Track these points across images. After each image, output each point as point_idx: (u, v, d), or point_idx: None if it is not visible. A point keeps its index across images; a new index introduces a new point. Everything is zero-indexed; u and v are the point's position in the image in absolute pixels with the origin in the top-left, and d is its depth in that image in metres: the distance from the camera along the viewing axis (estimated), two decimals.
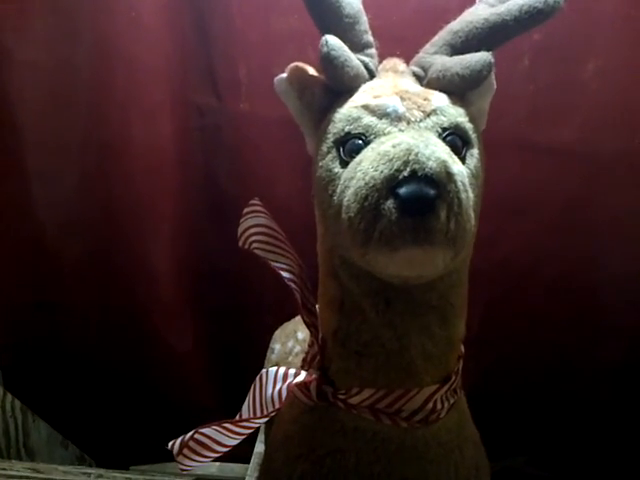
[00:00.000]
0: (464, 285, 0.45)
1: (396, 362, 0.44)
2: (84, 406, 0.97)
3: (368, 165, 0.37)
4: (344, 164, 0.41)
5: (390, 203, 0.35)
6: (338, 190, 0.41)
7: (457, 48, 0.45)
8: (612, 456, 0.91)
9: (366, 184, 0.37)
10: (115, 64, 0.83)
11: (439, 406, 0.45)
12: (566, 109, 0.82)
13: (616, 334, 0.88)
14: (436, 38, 0.47)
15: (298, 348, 0.70)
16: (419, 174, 0.35)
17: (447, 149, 0.40)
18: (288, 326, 0.75)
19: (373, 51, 0.47)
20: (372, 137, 0.41)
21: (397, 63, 0.48)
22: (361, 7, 0.46)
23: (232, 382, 0.98)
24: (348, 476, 0.47)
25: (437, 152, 0.37)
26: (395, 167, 0.36)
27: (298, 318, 0.76)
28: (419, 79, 0.46)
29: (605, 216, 0.83)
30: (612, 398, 0.91)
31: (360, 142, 0.41)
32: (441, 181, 0.36)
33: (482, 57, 0.43)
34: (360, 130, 0.41)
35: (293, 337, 0.71)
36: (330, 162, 0.42)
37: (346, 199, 0.38)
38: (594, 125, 0.82)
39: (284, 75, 0.47)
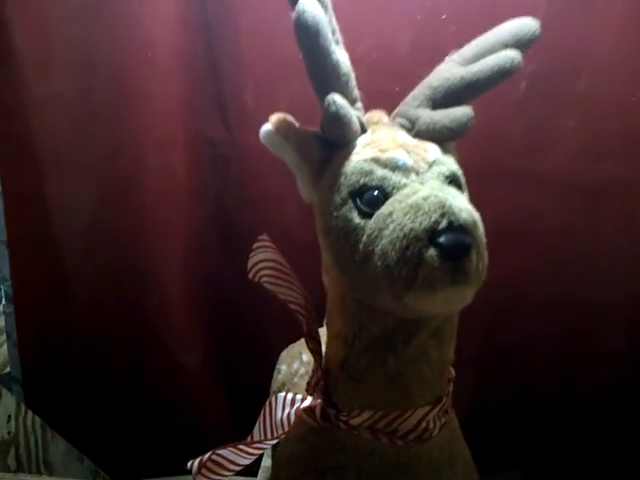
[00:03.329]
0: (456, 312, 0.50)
1: (394, 387, 0.48)
2: (99, 422, 1.02)
3: (403, 217, 0.41)
4: (364, 215, 0.45)
5: (432, 251, 0.40)
6: (364, 239, 0.44)
7: (437, 102, 0.50)
8: (605, 467, 0.95)
9: (405, 235, 0.41)
10: (131, 99, 0.88)
11: (431, 425, 0.50)
12: (556, 141, 0.86)
13: (607, 353, 0.92)
14: (416, 92, 0.52)
15: (303, 370, 0.74)
16: (455, 225, 0.40)
17: (464, 196, 0.45)
18: (294, 348, 0.80)
19: (360, 105, 0.52)
20: (390, 189, 0.45)
21: (381, 115, 0.53)
22: (350, 65, 0.50)
23: (239, 399, 1.02)
24: None
25: (464, 203, 0.42)
26: (433, 219, 0.40)
27: (303, 340, 0.81)
28: (407, 130, 0.51)
29: (593, 241, 0.87)
30: (604, 413, 0.95)
31: (377, 194, 0.45)
32: (472, 230, 0.41)
33: (466, 111, 0.48)
34: (376, 182, 0.45)
35: (298, 359, 0.75)
36: (348, 213, 0.46)
37: (380, 248, 0.42)
38: (583, 156, 0.86)
39: (270, 127, 0.50)
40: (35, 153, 0.89)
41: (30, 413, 0.92)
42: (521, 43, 0.51)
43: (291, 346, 0.81)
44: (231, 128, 0.91)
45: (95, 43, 0.86)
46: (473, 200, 0.48)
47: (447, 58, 0.52)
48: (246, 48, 0.87)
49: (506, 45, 0.51)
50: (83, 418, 1.01)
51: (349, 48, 0.50)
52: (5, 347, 0.90)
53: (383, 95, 0.52)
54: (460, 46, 0.54)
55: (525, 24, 0.52)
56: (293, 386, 0.73)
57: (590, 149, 0.86)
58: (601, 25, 0.81)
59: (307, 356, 0.75)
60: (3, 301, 0.89)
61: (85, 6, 0.83)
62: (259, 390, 0.82)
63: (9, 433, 0.86)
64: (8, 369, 0.91)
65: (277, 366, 0.80)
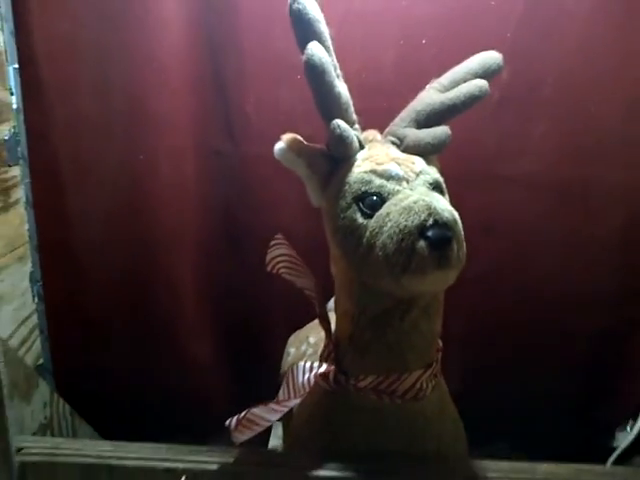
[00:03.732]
0: (441, 292, 0.62)
1: (392, 355, 0.60)
2: (118, 410, 1.11)
3: (398, 217, 0.53)
4: (366, 216, 0.56)
5: (422, 243, 0.51)
6: (367, 235, 0.55)
7: (421, 123, 0.62)
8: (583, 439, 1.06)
9: (401, 231, 0.52)
10: (146, 117, 0.98)
11: (424, 386, 0.61)
12: (524, 147, 0.98)
13: (575, 334, 1.04)
14: (403, 114, 0.63)
15: (311, 350, 0.84)
16: (439, 222, 0.52)
17: (445, 199, 0.57)
18: (301, 333, 0.91)
19: (358, 126, 0.63)
20: (386, 195, 0.56)
21: (375, 134, 0.65)
22: (349, 95, 0.62)
23: (247, 388, 1.13)
24: (357, 443, 0.63)
25: (446, 205, 0.54)
26: (422, 218, 0.52)
27: (308, 325, 0.92)
28: (397, 146, 0.62)
29: (557, 236, 0.99)
30: (577, 389, 1.06)
31: (376, 199, 0.56)
32: (452, 225, 0.53)
33: (445, 130, 0.60)
34: (375, 190, 0.57)
35: (306, 341, 0.86)
36: (353, 214, 0.57)
37: (380, 241, 0.53)
38: (548, 160, 0.98)
39: (283, 145, 0.61)
40: (61, 168, 0.99)
41: (61, 401, 1.02)
42: (488, 73, 0.63)
43: (298, 331, 0.92)
44: (236, 141, 1.01)
45: (114, 70, 0.95)
46: (452, 200, 0.60)
47: (428, 86, 0.64)
48: (248, 69, 0.97)
49: (476, 75, 0.63)
50: (105, 406, 1.10)
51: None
52: (38, 341, 1.00)
53: (371, 111, 0.64)
54: (439, 68, 0.66)
55: (491, 57, 0.64)
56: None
57: (555, 154, 0.98)
58: (563, 40, 0.92)
59: (313, 339, 0.85)
60: (36, 299, 0.98)
61: (106, 38, 0.93)
62: (264, 377, 0.93)
63: (45, 418, 0.96)
64: (41, 361, 1.00)
65: (286, 349, 0.91)
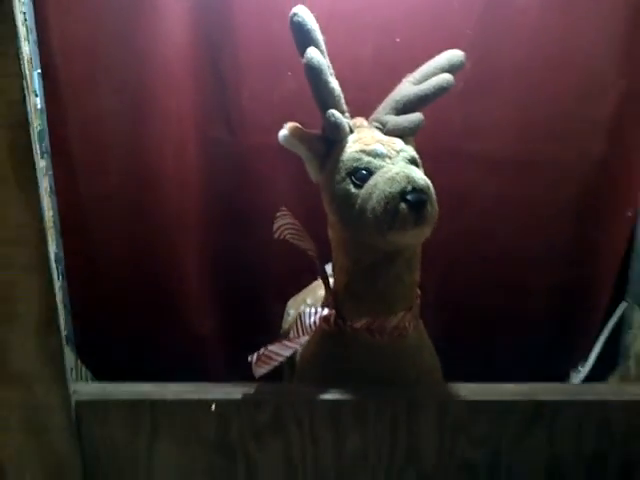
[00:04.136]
0: (419, 246, 0.76)
1: (381, 300, 0.74)
2: (131, 376, 1.23)
3: (383, 185, 0.66)
4: (357, 186, 0.70)
5: (403, 205, 0.65)
6: (359, 202, 0.69)
7: (399, 110, 0.76)
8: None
9: (386, 196, 0.66)
10: (151, 108, 1.09)
11: (407, 325, 0.75)
12: (489, 125, 1.12)
13: (533, 289, 1.19)
14: (384, 104, 0.77)
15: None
16: (417, 188, 0.66)
17: (420, 171, 0.70)
18: (299, 296, 1.04)
19: (347, 114, 0.77)
20: (373, 169, 0.70)
21: (362, 121, 0.78)
22: (340, 89, 0.75)
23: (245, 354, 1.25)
24: (352, 373, 0.77)
25: (421, 175, 0.68)
26: (403, 185, 0.66)
27: (304, 290, 1.06)
28: (380, 130, 0.76)
29: (520, 206, 1.13)
30: (534, 340, 1.21)
31: (365, 172, 0.70)
32: (427, 191, 0.67)
33: (418, 116, 0.74)
34: (364, 165, 0.70)
35: (304, 303, 1.00)
36: (346, 186, 0.71)
37: (369, 206, 0.67)
38: (511, 137, 1.11)
39: (286, 132, 0.74)
40: (78, 160, 1.10)
41: (83, 368, 1.14)
42: (453, 68, 0.77)
43: (296, 295, 1.05)
44: (234, 131, 1.13)
45: (122, 68, 1.06)
46: (425, 172, 0.74)
47: (404, 79, 0.78)
48: (244, 62, 1.08)
49: (443, 70, 0.77)
50: (120, 372, 1.23)
51: None
52: (63, 315, 1.11)
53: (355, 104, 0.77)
54: (410, 63, 0.79)
55: (455, 55, 0.78)
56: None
57: (513, 132, 1.12)
58: (518, 33, 1.05)
59: (310, 300, 0.99)
60: (60, 278, 1.10)
61: (115, 40, 1.04)
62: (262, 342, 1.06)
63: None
64: (66, 332, 1.12)
65: (286, 311, 1.04)
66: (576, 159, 1.13)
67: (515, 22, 1.05)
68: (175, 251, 1.18)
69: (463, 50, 0.79)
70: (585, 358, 1.13)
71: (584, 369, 1.11)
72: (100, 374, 1.19)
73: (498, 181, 1.14)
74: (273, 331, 1.04)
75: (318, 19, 0.74)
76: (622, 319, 1.12)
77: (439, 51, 0.80)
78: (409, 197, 0.65)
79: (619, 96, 1.08)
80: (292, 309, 1.03)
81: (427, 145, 0.80)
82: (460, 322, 1.16)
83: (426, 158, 0.77)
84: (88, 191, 1.12)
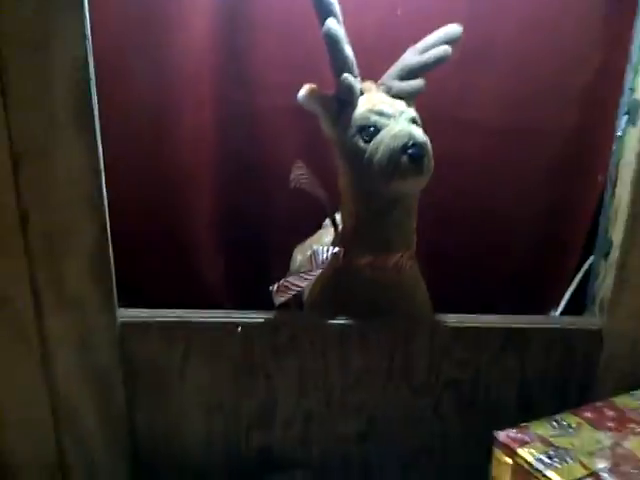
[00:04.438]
0: (416, 195, 0.88)
1: (383, 241, 0.87)
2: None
3: (389, 140, 0.78)
4: (366, 141, 0.81)
5: (405, 157, 0.77)
6: (367, 154, 0.80)
7: (404, 76, 0.88)
8: None
9: (391, 149, 0.78)
10: (173, 71, 1.19)
11: (404, 263, 0.88)
12: (477, 95, 1.23)
13: (511, 246, 1.32)
14: (391, 71, 0.89)
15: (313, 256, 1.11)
16: (416, 143, 0.78)
17: (420, 129, 0.82)
18: (305, 243, 1.17)
19: (359, 79, 0.88)
20: (380, 126, 0.81)
21: (371, 85, 0.89)
22: (353, 56, 0.86)
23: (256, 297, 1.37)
24: (357, 304, 0.90)
25: (420, 132, 0.80)
26: (405, 141, 0.77)
27: (310, 238, 1.18)
28: (386, 93, 0.87)
29: (505, 170, 1.25)
30: (517, 291, 1.36)
31: (372, 129, 0.81)
32: (425, 145, 0.78)
33: (420, 82, 0.86)
34: (372, 123, 0.81)
35: (310, 248, 1.11)
36: (357, 140, 0.82)
37: (377, 157, 0.79)
38: (498, 106, 1.23)
39: (304, 92, 0.84)
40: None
41: None
42: (451, 40, 0.88)
43: (302, 243, 1.18)
44: (249, 92, 1.23)
45: (151, 42, 1.15)
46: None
47: (408, 49, 0.89)
48: (260, 34, 1.18)
49: (442, 42, 0.88)
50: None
51: None
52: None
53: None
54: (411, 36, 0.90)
55: (453, 29, 0.89)
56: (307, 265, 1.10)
57: (501, 101, 1.24)
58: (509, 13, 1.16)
59: (316, 246, 1.10)
60: None
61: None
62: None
63: None
64: None
65: (293, 256, 1.17)
66: (553, 128, 1.25)
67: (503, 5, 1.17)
68: (191, 200, 1.28)
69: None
70: (558, 304, 1.27)
71: (557, 312, 1.26)
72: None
73: (484, 144, 1.26)
74: (283, 272, 1.16)
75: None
76: (590, 270, 1.26)
77: (438, 24, 0.92)
78: (410, 150, 0.78)
79: (593, 70, 1.20)
80: (299, 254, 1.15)
81: (425, 110, 0.91)
82: (449, 267, 1.29)
83: (423, 122, 0.88)
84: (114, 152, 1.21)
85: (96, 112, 0.77)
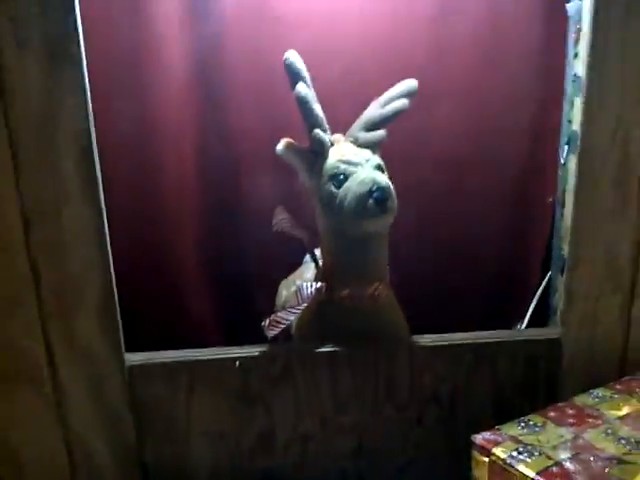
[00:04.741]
0: (385, 232, 0.98)
1: (360, 275, 0.97)
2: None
3: (356, 187, 0.89)
4: (336, 187, 0.92)
5: (371, 200, 0.88)
6: (337, 199, 0.91)
7: (368, 128, 0.99)
8: None
9: (358, 194, 0.89)
10: (160, 124, 1.29)
11: (380, 292, 0.98)
12: (437, 133, 1.36)
13: (479, 267, 1.45)
14: (357, 123, 1.00)
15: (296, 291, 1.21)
16: (380, 188, 0.88)
17: (384, 174, 0.93)
18: (289, 279, 1.26)
19: (328, 132, 0.98)
20: (348, 173, 0.92)
21: (340, 137, 1.00)
22: (322, 112, 0.97)
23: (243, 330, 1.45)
24: (341, 331, 1.00)
25: (384, 177, 0.91)
26: (370, 186, 0.89)
27: (293, 274, 1.28)
28: (353, 143, 0.99)
29: (466, 198, 1.38)
30: (483, 309, 1.47)
31: (342, 176, 0.92)
32: (388, 190, 0.89)
33: (381, 133, 0.98)
34: (341, 171, 0.92)
35: (294, 284, 1.22)
36: (329, 187, 0.93)
37: (347, 202, 0.90)
38: (455, 142, 1.36)
39: (281, 147, 0.95)
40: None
41: None
42: (409, 94, 1.00)
43: (286, 279, 1.28)
44: (230, 143, 1.34)
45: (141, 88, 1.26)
46: (389, 174, 0.97)
47: (372, 103, 1.00)
48: (237, 90, 1.30)
49: (401, 95, 0.99)
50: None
51: None
52: None
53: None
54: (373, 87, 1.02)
55: (411, 83, 1.00)
56: (292, 300, 1.20)
57: (458, 137, 1.36)
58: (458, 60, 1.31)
59: (299, 281, 1.20)
60: None
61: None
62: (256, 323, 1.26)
63: None
64: None
65: (279, 292, 1.26)
66: (506, 158, 1.40)
67: (453, 48, 1.31)
68: (180, 243, 1.38)
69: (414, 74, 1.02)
70: (522, 318, 1.39)
71: (522, 326, 1.37)
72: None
73: (445, 177, 1.39)
74: (269, 307, 1.26)
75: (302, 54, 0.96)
76: (549, 285, 1.39)
77: (396, 75, 1.03)
78: (375, 194, 0.89)
79: (539, 103, 1.35)
80: (284, 290, 1.25)
81: (390, 150, 1.03)
82: (423, 291, 1.39)
83: (392, 161, 1.00)
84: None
85: (99, 177, 0.87)
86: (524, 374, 1.03)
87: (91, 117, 0.85)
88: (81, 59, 0.83)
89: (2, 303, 0.89)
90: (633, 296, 1.02)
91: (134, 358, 0.96)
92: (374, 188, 0.89)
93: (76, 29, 0.82)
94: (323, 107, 0.97)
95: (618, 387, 0.94)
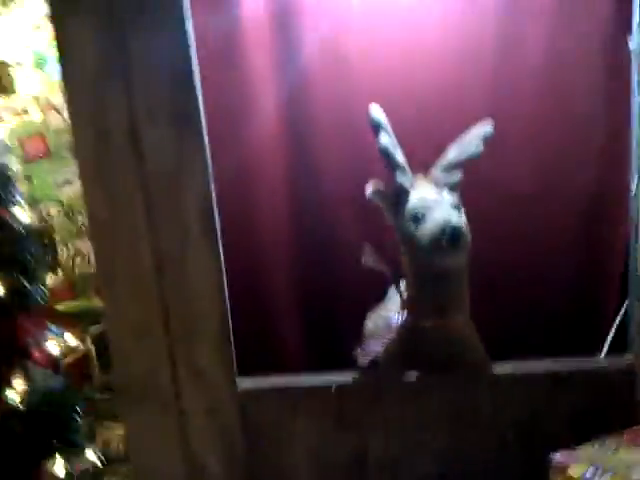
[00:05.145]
0: (462, 266, 1.08)
1: (439, 305, 1.08)
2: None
3: (433, 227, 1.00)
4: (416, 227, 1.03)
5: (444, 240, 0.99)
6: (417, 238, 1.03)
7: (447, 170, 1.10)
8: None
9: (433, 234, 1.00)
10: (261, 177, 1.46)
11: (460, 321, 1.08)
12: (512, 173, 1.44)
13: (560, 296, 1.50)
14: (436, 165, 1.10)
15: (382, 322, 1.32)
16: (454, 229, 0.99)
17: (462, 214, 1.04)
18: (374, 312, 1.37)
19: (410, 174, 1.10)
20: (427, 213, 1.03)
21: (421, 178, 1.11)
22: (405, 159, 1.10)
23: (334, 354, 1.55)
24: (426, 357, 1.10)
25: (457, 217, 1.02)
26: (444, 226, 0.99)
27: (378, 307, 1.39)
28: (434, 184, 1.09)
29: (550, 232, 1.44)
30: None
31: (421, 217, 1.03)
32: (460, 230, 1.00)
33: (458, 176, 1.09)
34: (420, 211, 1.04)
35: (380, 316, 1.32)
36: (410, 226, 1.04)
37: (424, 241, 1.01)
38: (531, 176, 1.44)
39: (370, 190, 1.08)
40: None
41: None
42: (485, 138, 1.09)
43: (371, 312, 1.39)
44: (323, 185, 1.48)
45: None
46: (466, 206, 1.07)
47: (451, 145, 1.10)
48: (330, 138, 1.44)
49: (479, 137, 1.09)
50: None
51: None
52: None
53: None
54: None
55: (486, 128, 1.10)
56: (380, 332, 1.31)
57: (535, 172, 1.43)
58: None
59: (384, 312, 1.31)
60: None
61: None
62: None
63: None
64: None
65: (365, 324, 1.36)
66: (578, 190, 1.45)
67: (523, 90, 1.40)
68: (278, 279, 1.50)
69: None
70: (603, 344, 1.43)
71: (601, 353, 1.41)
72: None
73: (522, 211, 1.44)
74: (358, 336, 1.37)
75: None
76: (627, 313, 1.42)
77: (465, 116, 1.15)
78: (447, 234, 1.00)
79: (610, 134, 1.40)
80: (370, 322, 1.36)
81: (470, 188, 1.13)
82: (503, 322, 1.46)
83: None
84: None
85: (218, 227, 1.03)
86: (600, 400, 1.09)
87: (211, 179, 1.01)
88: (201, 127, 0.99)
89: (135, 330, 1.06)
90: None
91: (245, 382, 1.10)
92: (447, 228, 1.00)
93: (197, 102, 0.98)
94: (405, 150, 1.09)
95: None
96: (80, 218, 1.14)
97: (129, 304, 1.04)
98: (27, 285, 0.95)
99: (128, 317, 1.04)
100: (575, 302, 1.52)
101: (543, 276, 1.49)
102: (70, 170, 1.13)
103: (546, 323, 1.49)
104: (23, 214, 1.01)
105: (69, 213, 1.20)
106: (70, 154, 1.12)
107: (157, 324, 1.05)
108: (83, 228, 1.14)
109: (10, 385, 0.87)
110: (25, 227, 0.99)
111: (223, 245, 1.07)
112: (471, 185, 1.17)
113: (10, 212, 0.94)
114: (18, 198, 1.01)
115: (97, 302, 1.09)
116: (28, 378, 0.89)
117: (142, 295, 1.04)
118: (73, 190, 1.15)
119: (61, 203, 1.19)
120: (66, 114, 1.06)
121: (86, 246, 1.16)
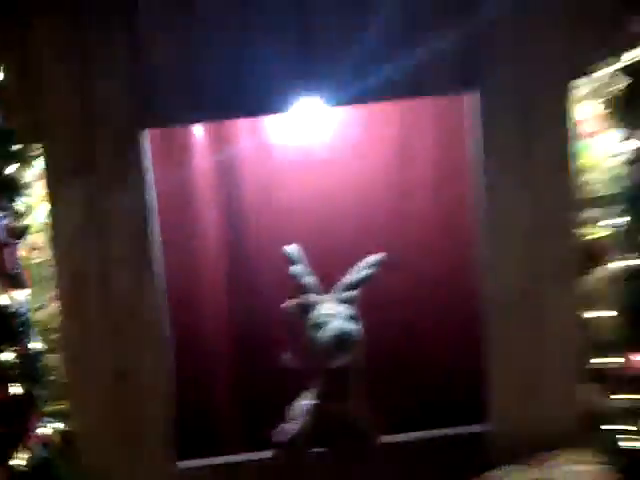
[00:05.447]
0: (355, 361, 1.43)
1: (339, 393, 1.44)
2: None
3: (328, 333, 1.38)
4: (318, 333, 1.39)
5: (334, 344, 1.37)
6: (317, 342, 1.39)
7: (347, 289, 1.48)
8: None
9: (328, 339, 1.37)
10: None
11: (355, 408, 1.41)
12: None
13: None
14: (338, 286, 1.49)
15: (299, 408, 1.62)
16: (345, 333, 1.37)
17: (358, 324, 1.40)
18: (296, 400, 1.68)
19: (317, 292, 1.47)
20: (326, 323, 1.39)
21: (326, 296, 1.48)
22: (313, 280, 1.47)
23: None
24: (328, 432, 1.44)
25: (349, 325, 1.39)
26: (337, 334, 1.37)
27: (301, 396, 1.69)
28: (336, 300, 1.46)
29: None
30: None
31: (321, 325, 1.39)
32: (349, 335, 1.39)
33: (356, 295, 1.47)
34: (321, 321, 1.41)
35: (298, 404, 1.62)
36: (313, 332, 1.41)
37: (322, 344, 1.38)
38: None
39: (289, 305, 1.47)
40: None
41: None
42: (376, 264, 1.48)
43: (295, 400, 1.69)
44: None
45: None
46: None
47: (349, 270, 1.49)
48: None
49: (370, 265, 1.48)
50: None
51: None
52: None
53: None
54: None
55: (378, 257, 1.49)
56: (296, 414, 1.60)
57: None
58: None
59: (304, 400, 1.61)
60: None
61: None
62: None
63: None
64: None
65: (291, 407, 1.67)
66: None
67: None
68: (215, 376, 1.85)
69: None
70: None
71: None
72: None
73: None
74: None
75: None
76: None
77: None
78: (339, 339, 1.36)
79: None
80: (293, 407, 1.65)
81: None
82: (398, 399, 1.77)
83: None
84: None
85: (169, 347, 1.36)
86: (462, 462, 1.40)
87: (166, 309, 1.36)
88: (158, 270, 1.35)
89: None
90: None
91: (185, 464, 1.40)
92: (339, 334, 1.35)
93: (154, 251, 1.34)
94: (318, 273, 1.47)
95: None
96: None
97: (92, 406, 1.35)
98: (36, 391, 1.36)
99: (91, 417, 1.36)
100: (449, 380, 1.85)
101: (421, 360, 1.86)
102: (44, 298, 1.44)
103: (427, 400, 1.83)
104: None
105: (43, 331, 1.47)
106: (47, 284, 1.42)
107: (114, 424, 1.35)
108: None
109: (17, 456, 1.30)
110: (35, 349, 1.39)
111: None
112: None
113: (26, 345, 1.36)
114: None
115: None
116: (30, 450, 1.31)
117: (102, 399, 1.35)
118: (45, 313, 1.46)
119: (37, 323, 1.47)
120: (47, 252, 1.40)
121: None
